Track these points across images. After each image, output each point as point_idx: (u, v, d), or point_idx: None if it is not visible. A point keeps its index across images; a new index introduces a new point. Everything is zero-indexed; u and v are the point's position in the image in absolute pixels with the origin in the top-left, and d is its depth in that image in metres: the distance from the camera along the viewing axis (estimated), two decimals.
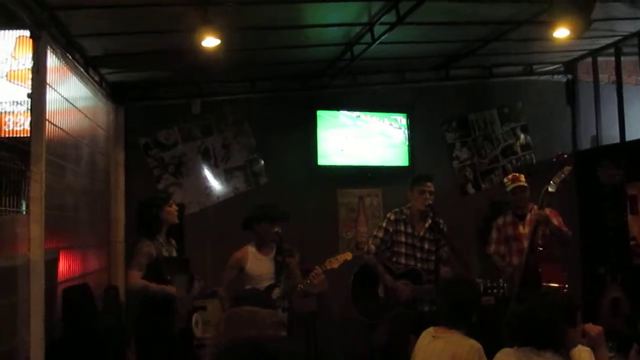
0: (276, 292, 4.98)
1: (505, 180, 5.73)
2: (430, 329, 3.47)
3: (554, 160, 5.47)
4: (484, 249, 5.92)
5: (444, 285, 3.99)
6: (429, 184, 5.27)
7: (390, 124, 7.04)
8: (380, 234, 5.35)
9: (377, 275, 5.29)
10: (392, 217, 5.37)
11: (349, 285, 5.40)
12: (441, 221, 5.19)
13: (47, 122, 3.86)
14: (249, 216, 5.14)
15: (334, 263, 5.05)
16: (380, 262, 5.32)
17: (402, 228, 5.33)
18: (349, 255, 5.16)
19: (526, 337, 2.86)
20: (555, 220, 5.34)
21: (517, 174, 5.70)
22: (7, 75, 6.32)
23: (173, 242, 4.87)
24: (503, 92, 7.29)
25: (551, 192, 5.17)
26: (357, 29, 5.34)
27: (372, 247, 5.34)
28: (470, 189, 7.25)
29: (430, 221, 5.27)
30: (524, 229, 5.51)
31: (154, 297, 4.53)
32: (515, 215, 5.63)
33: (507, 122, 7.34)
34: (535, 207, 5.30)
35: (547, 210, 5.26)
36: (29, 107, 3.91)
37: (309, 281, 4.96)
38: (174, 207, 4.83)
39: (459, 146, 7.24)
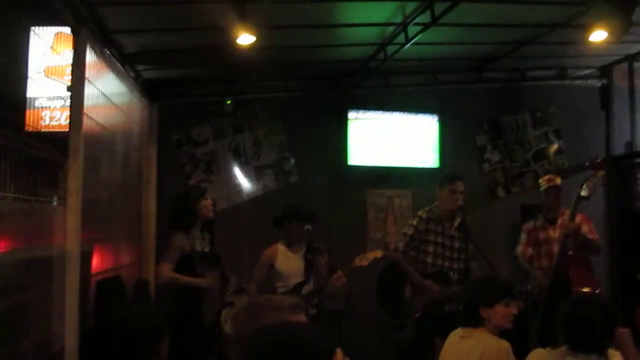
0: (305, 289, 5.03)
1: (541, 180, 5.67)
2: (459, 330, 3.46)
3: (587, 164, 5.41)
4: (512, 251, 5.88)
5: (470, 285, 3.98)
6: (459, 183, 5.28)
7: (421, 126, 7.03)
8: (410, 232, 5.34)
9: (403, 274, 5.28)
10: (424, 216, 5.35)
11: (375, 284, 5.40)
12: (468, 217, 5.20)
13: (85, 116, 3.92)
14: (280, 215, 5.19)
15: (364, 260, 5.07)
16: (408, 261, 5.32)
17: (433, 227, 5.32)
18: (378, 253, 5.18)
19: (579, 341, 2.80)
20: (586, 227, 5.28)
21: (553, 175, 5.64)
22: (44, 71, 6.46)
23: (207, 236, 4.92)
24: (536, 96, 7.23)
25: (584, 197, 5.12)
26: (391, 29, 5.34)
27: (401, 245, 5.34)
28: (501, 192, 7.21)
29: (459, 220, 5.28)
30: (555, 233, 5.46)
31: (183, 290, 4.58)
32: (546, 220, 5.58)
33: (540, 126, 7.29)
34: (567, 211, 5.25)
35: (579, 217, 5.20)
36: (68, 101, 3.99)
37: (330, 284, 5.02)
38: (210, 202, 4.89)
39: (490, 149, 7.21)
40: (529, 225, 5.72)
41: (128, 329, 2.86)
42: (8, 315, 3.02)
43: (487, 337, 3.27)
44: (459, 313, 3.53)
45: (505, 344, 3.20)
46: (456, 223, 5.30)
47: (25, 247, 3.22)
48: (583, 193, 5.11)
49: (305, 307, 2.63)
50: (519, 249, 5.71)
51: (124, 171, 5.38)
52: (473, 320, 3.30)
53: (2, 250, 2.98)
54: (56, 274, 3.59)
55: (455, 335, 3.45)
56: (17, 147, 3.08)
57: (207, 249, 4.92)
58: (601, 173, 5.18)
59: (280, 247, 5.18)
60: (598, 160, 5.38)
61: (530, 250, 5.62)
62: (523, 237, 5.72)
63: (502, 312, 3.28)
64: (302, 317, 2.10)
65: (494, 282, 3.51)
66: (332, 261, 5.38)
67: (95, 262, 4.38)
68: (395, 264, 5.33)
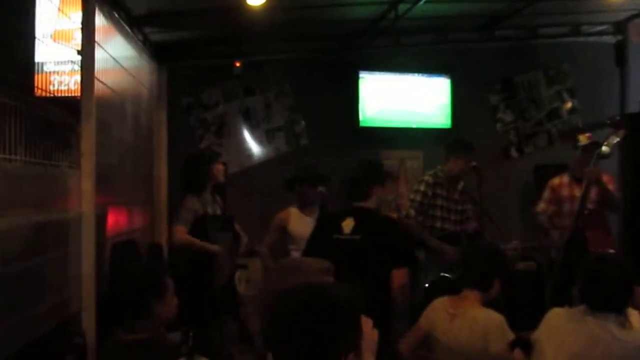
0: None
1: (580, 137, 5.43)
2: (444, 302, 3.31)
3: (608, 122, 5.32)
4: (530, 209, 5.82)
5: (467, 250, 3.92)
6: (470, 154, 5.30)
7: (433, 85, 7.01)
8: (419, 198, 5.34)
9: (416, 239, 5.30)
10: (431, 180, 5.37)
11: None
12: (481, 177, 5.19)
13: (95, 80, 3.94)
14: (291, 177, 5.19)
15: None
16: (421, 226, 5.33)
17: (439, 191, 5.35)
18: (392, 215, 5.19)
19: (598, 300, 2.78)
20: (611, 186, 5.26)
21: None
22: (52, 35, 6.44)
23: (219, 199, 4.95)
24: (549, 54, 7.17)
25: (604, 155, 4.95)
26: None
27: (412, 212, 5.33)
28: (514, 153, 7.20)
29: (462, 184, 5.37)
30: (579, 192, 5.41)
31: (197, 254, 4.64)
32: (573, 177, 5.44)
33: (553, 84, 7.24)
34: None
35: (603, 175, 5.15)
36: (76, 66, 4.00)
37: None
38: (221, 165, 4.91)
39: (502, 108, 7.18)
40: (554, 181, 5.60)
41: (124, 289, 2.94)
42: (24, 278, 3.08)
43: (480, 312, 3.19)
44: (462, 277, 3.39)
45: (500, 316, 3.15)
46: (459, 187, 5.38)
47: (41, 211, 3.26)
48: (604, 149, 5.00)
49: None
50: (541, 205, 5.60)
51: (135, 135, 5.40)
52: (481, 288, 3.27)
53: (18, 213, 3.02)
54: (72, 237, 3.64)
55: (443, 311, 3.29)
56: (30, 110, 3.10)
57: (218, 212, 4.95)
58: (622, 131, 5.09)
59: (293, 210, 5.19)
60: (619, 119, 5.31)
61: (552, 208, 5.53)
62: (546, 193, 5.60)
63: (499, 284, 3.30)
64: (331, 281, 2.13)
65: (500, 251, 3.52)
66: None
67: (110, 225, 4.43)
68: (407, 230, 5.34)
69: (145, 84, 5.89)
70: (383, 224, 3.92)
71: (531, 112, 7.21)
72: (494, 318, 3.15)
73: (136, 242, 4.96)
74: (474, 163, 5.24)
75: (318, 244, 3.93)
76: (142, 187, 5.72)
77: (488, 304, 3.27)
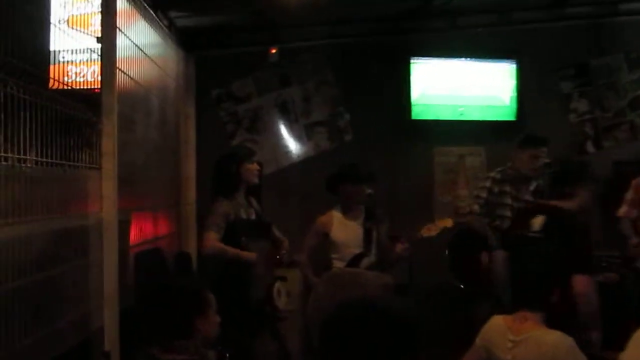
0: (365, 263, 5.01)
1: None
2: (502, 325, 3.19)
3: None
4: (614, 212, 5.66)
5: (514, 255, 3.73)
6: (544, 149, 5.25)
7: (496, 73, 6.93)
8: (484, 194, 5.37)
9: (479, 239, 5.27)
10: (498, 177, 5.38)
11: (447, 251, 5.49)
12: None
13: (117, 70, 3.98)
14: (331, 176, 5.18)
15: (432, 230, 5.04)
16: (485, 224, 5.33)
17: (508, 189, 5.34)
18: (449, 222, 5.13)
19: None
20: None
21: None
22: (67, 21, 6.55)
23: (253, 202, 4.95)
24: (631, 34, 7.00)
25: None
26: None
27: (476, 208, 5.36)
28: (590, 148, 7.06)
29: (534, 184, 5.31)
30: None
31: (231, 264, 4.64)
32: None
33: (636, 69, 7.08)
34: None
35: None
36: (95, 55, 4.05)
37: (393, 254, 5.03)
38: (255, 166, 4.90)
39: (577, 97, 7.05)
40: (639, 180, 5.50)
41: (163, 304, 2.94)
42: (42, 290, 3.12)
43: (546, 335, 3.06)
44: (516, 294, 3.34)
45: (569, 339, 3.02)
46: (532, 187, 5.32)
47: (59, 217, 3.31)
48: None
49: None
50: (623, 208, 5.51)
51: (161, 131, 5.46)
52: (538, 303, 3.19)
53: (34, 220, 3.07)
54: (93, 245, 3.69)
55: (501, 337, 3.16)
56: (44, 104, 3.15)
57: (253, 217, 4.95)
58: None
59: (336, 214, 5.18)
60: None
61: (636, 211, 5.43)
62: (630, 194, 5.50)
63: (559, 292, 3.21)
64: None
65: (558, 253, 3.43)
66: (394, 229, 5.40)
67: (134, 232, 4.48)
68: (469, 229, 5.32)
69: (171, 75, 5.95)
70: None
71: (610, 101, 7.06)
72: (563, 342, 3.05)
73: (162, 250, 5.00)
74: (547, 160, 5.16)
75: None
76: (168, 189, 5.77)
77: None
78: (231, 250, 4.60)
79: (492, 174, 5.46)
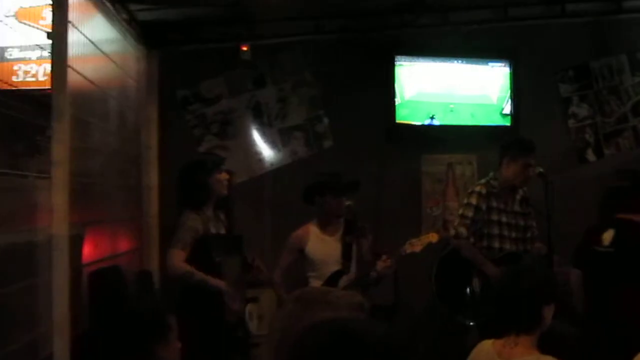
0: (343, 281, 5.05)
1: None
2: (490, 352, 3.20)
3: None
4: None
5: (504, 276, 3.71)
6: (533, 155, 5.32)
7: (489, 74, 6.96)
8: (471, 213, 5.36)
9: (470, 264, 5.30)
10: (484, 191, 5.39)
11: (433, 276, 5.44)
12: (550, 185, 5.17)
13: (69, 69, 3.95)
14: (310, 186, 5.19)
15: (416, 246, 5.05)
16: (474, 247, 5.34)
17: (495, 204, 5.38)
18: (434, 237, 5.14)
19: None
20: None
21: None
22: (16, 14, 6.49)
23: (223, 215, 4.94)
24: (635, 32, 7.06)
25: None
26: None
27: (463, 230, 5.34)
28: (591, 156, 7.10)
29: (521, 192, 5.42)
30: None
31: (197, 287, 4.60)
32: None
33: None
34: None
35: None
36: (47, 52, 4.02)
37: (373, 272, 5.02)
38: (225, 175, 4.89)
39: (576, 101, 7.09)
40: None
41: (120, 330, 2.92)
42: None
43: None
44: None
45: None
46: (518, 196, 5.42)
47: (3, 232, 3.27)
48: None
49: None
50: None
51: (120, 137, 5.43)
52: (528, 324, 3.19)
53: None
54: (41, 264, 3.65)
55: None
56: None
57: (222, 232, 4.93)
58: None
59: (312, 228, 5.20)
60: None
61: None
62: None
63: (551, 311, 3.22)
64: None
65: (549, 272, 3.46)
66: (378, 245, 5.40)
67: (88, 249, 4.43)
68: (456, 253, 5.37)
69: (131, 74, 5.92)
70: None
71: (612, 106, 7.11)
72: None
73: (121, 269, 4.96)
74: (540, 169, 5.19)
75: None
76: (128, 201, 5.74)
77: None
78: (198, 274, 4.57)
79: (477, 189, 5.46)
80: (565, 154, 6.97)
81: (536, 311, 3.18)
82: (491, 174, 5.46)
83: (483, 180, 5.48)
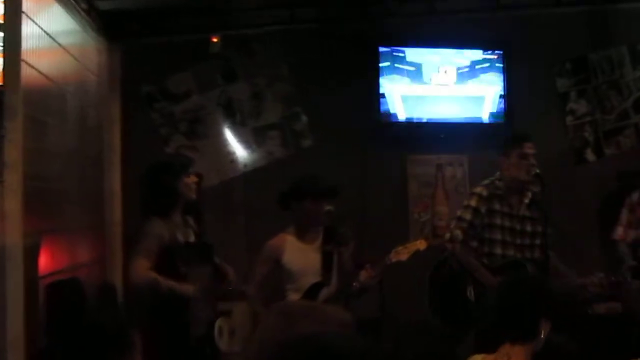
0: (324, 294, 5.03)
1: None
2: None
3: None
4: (609, 235, 5.86)
5: (502, 285, 3.76)
6: (529, 144, 5.26)
7: (480, 66, 6.98)
8: (468, 216, 5.33)
9: (464, 271, 5.29)
10: (485, 193, 5.35)
11: (426, 285, 5.42)
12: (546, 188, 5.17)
13: (23, 64, 3.93)
14: (287, 191, 5.16)
15: (402, 254, 5.02)
16: (469, 253, 5.32)
17: (497, 207, 5.33)
18: (422, 244, 5.07)
19: None
20: None
21: None
22: None
23: (192, 222, 4.93)
24: (636, 23, 7.12)
25: None
26: None
27: (458, 233, 5.29)
28: (590, 155, 7.15)
29: (530, 195, 5.32)
30: None
31: (164, 297, 4.60)
32: None
33: None
34: None
35: None
36: (1, 44, 4.00)
37: (355, 283, 4.98)
38: (194, 178, 4.88)
39: (574, 97, 7.14)
40: (634, 197, 5.68)
41: (79, 347, 2.93)
42: None
43: None
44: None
45: None
46: (526, 199, 5.34)
47: None
48: None
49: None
50: (619, 232, 5.69)
51: (79, 137, 5.41)
52: (525, 338, 3.22)
53: None
54: None
55: None
56: None
57: (191, 239, 4.92)
58: None
59: (289, 237, 5.14)
60: None
61: (633, 234, 5.59)
62: (624, 215, 5.70)
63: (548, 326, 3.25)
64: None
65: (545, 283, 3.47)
66: (360, 254, 5.38)
67: (45, 259, 4.41)
68: (452, 257, 5.33)
69: (92, 68, 5.90)
70: None
71: (612, 101, 7.16)
72: None
73: (81, 281, 4.94)
74: (537, 170, 5.18)
75: None
76: (89, 207, 5.72)
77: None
78: (165, 282, 4.55)
79: (477, 190, 5.42)
80: (562, 153, 7.00)
81: (533, 322, 3.20)
82: (497, 173, 5.39)
83: (486, 181, 5.42)
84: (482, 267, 5.25)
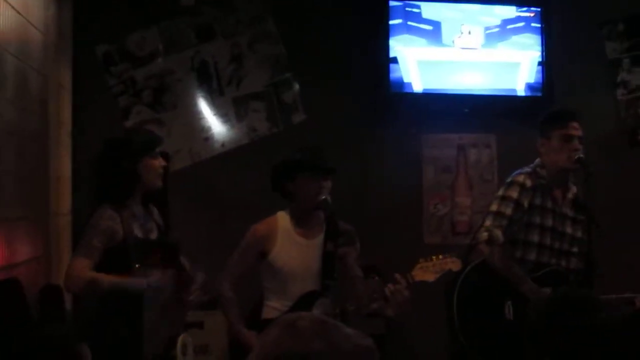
0: (319, 307, 4.80)
1: None
2: None
3: None
4: None
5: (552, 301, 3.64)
6: (575, 124, 5.25)
7: (513, 26, 7.03)
8: (509, 211, 5.19)
9: (502, 281, 5.16)
10: (529, 183, 5.24)
11: (453, 299, 5.20)
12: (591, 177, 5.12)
13: None
14: (279, 166, 4.93)
15: (429, 273, 4.61)
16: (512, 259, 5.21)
17: (538, 201, 5.27)
18: (455, 264, 4.68)
19: None
20: None
21: None
22: None
23: (155, 213, 4.94)
24: None
25: None
26: None
27: (499, 234, 4.89)
28: None
29: (575, 189, 5.34)
30: None
31: (111, 301, 4.56)
32: None
33: None
34: None
35: None
36: None
37: (386, 298, 4.54)
38: (160, 161, 4.85)
39: (627, 64, 7.16)
40: None
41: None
42: None
43: None
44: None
45: None
46: (570, 194, 5.36)
47: None
48: None
49: None
50: None
51: (18, 108, 5.45)
52: None
53: None
54: None
55: None
56: None
57: (154, 235, 4.91)
58: None
59: (282, 223, 4.94)
60: None
61: None
62: None
63: None
64: None
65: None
66: (367, 254, 5.26)
67: None
68: (488, 266, 5.17)
69: (36, 24, 5.94)
70: None
71: None
72: None
73: (20, 283, 5.00)
74: (581, 154, 5.17)
75: None
76: (30, 194, 5.75)
77: None
78: (107, 279, 4.51)
79: (519, 179, 5.27)
80: (612, 135, 7.09)
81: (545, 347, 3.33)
82: (537, 160, 5.32)
83: (527, 169, 5.31)
84: (528, 278, 5.14)
